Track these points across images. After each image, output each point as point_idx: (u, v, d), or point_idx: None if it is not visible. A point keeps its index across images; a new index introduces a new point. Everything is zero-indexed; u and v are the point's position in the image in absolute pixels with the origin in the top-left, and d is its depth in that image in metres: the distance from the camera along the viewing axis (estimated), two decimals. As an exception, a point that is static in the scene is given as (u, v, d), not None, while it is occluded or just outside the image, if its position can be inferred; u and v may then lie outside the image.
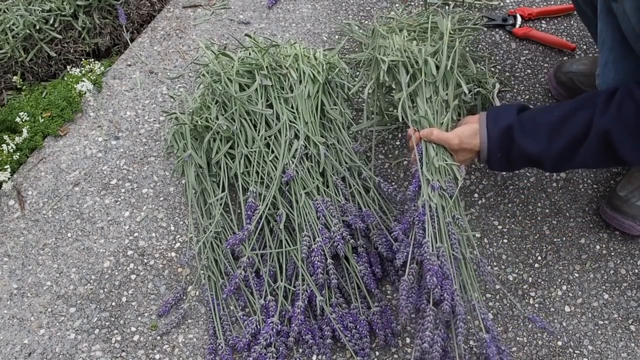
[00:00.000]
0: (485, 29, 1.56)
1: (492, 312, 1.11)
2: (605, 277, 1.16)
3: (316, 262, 1.04)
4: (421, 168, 1.02)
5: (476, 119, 1.04)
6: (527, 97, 1.42)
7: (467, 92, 1.11)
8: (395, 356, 1.06)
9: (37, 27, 1.44)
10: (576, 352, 1.07)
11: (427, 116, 1.06)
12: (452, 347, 0.94)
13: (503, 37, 1.55)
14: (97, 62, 1.49)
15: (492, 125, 1.01)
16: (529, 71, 1.47)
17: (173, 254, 1.19)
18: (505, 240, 1.20)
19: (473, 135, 1.02)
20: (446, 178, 1.01)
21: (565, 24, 1.58)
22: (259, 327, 1.04)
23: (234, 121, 1.19)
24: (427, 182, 1.00)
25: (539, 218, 1.23)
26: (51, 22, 1.46)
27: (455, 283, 0.93)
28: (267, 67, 1.22)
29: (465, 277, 0.97)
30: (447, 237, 0.96)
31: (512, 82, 1.44)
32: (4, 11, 1.45)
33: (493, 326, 0.95)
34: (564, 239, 1.21)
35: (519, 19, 1.56)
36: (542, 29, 1.56)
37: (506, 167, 1.05)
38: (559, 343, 1.08)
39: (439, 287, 0.91)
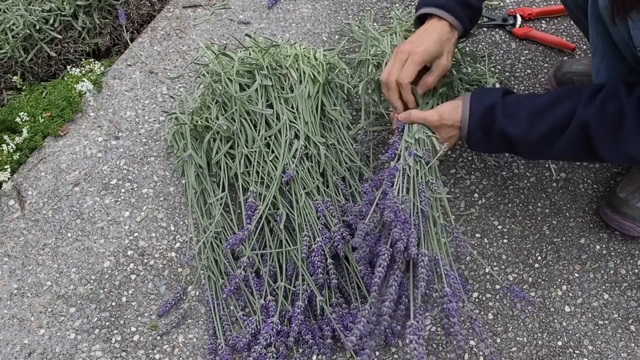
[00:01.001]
0: (485, 29, 1.56)
1: (492, 312, 1.11)
2: (605, 277, 1.16)
3: (316, 262, 1.04)
4: (401, 138, 1.02)
5: (460, 98, 1.04)
6: (527, 97, 1.42)
7: (457, 78, 1.13)
8: (395, 356, 1.06)
9: (37, 27, 1.44)
10: (576, 352, 1.07)
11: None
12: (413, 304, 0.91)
13: (503, 37, 1.55)
14: (97, 62, 1.49)
15: (475, 103, 1.01)
16: (529, 71, 1.47)
17: (173, 254, 1.19)
18: (505, 240, 1.20)
19: (454, 109, 1.02)
20: (425, 147, 1.01)
21: (565, 24, 1.58)
22: (259, 327, 1.04)
23: (234, 121, 1.19)
24: (406, 148, 1.00)
25: (539, 218, 1.23)
26: (51, 22, 1.46)
27: (412, 228, 0.91)
28: (267, 67, 1.22)
29: (433, 236, 0.95)
30: (418, 195, 0.95)
31: (512, 82, 1.44)
32: (4, 11, 1.45)
33: (458, 285, 0.92)
34: (564, 239, 1.21)
35: (519, 19, 1.56)
36: (542, 29, 1.56)
37: (486, 146, 1.04)
38: (559, 343, 1.08)
39: (399, 228, 0.89)
